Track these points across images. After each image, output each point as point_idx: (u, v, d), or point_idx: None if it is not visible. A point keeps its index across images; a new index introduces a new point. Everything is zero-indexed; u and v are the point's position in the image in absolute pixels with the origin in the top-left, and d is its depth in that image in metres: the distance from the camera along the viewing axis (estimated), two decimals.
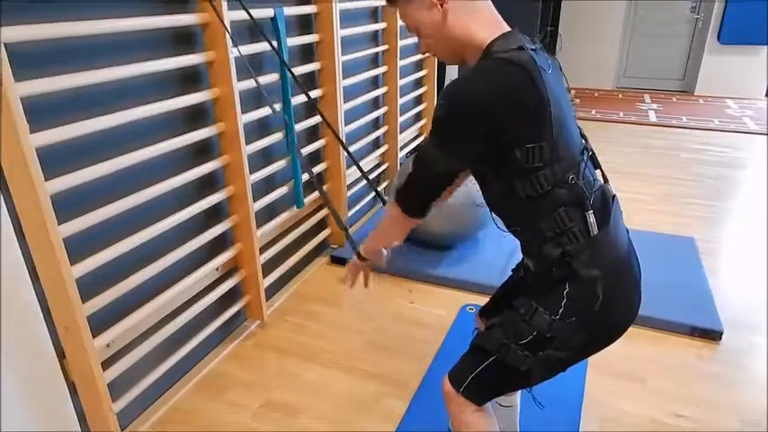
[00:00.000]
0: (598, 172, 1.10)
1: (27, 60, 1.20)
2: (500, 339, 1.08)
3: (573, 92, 6.74)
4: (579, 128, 1.08)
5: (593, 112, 5.75)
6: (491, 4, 1.07)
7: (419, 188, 1.08)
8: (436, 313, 2.27)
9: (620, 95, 6.55)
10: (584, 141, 1.07)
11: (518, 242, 1.14)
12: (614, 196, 1.10)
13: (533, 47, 0.99)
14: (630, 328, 2.14)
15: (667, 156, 4.31)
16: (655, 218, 3.13)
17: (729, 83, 6.29)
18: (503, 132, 0.95)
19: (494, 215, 1.15)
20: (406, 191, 1.09)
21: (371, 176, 3.11)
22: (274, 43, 1.96)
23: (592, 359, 1.93)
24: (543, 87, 0.93)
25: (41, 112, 1.24)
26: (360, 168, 1.69)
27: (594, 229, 1.00)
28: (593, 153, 1.09)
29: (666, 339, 2.08)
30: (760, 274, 2.53)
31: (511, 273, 1.36)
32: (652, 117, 5.51)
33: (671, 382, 1.87)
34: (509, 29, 1.04)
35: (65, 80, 1.27)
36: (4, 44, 1.08)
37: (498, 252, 2.56)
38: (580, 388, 1.83)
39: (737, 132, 4.94)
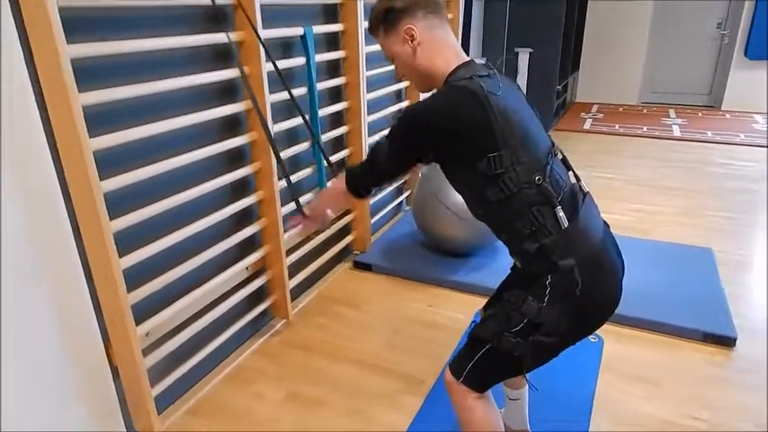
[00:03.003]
0: (571, 174, 1.22)
1: (88, 74, 1.36)
2: (493, 328, 1.19)
3: (596, 107, 6.77)
4: (548, 136, 1.23)
5: (617, 126, 5.77)
6: (455, 39, 1.24)
7: (366, 176, 1.26)
8: (453, 317, 2.36)
9: (645, 110, 6.55)
10: (552, 146, 1.19)
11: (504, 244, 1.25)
12: (586, 193, 1.21)
13: (485, 73, 1.14)
14: (644, 333, 2.22)
15: (691, 169, 4.32)
16: (676, 229, 3.16)
17: (757, 97, 6.24)
18: (453, 147, 1.11)
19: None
20: (354, 173, 1.28)
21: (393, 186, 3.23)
22: (300, 61, 2.11)
23: (605, 361, 2.01)
24: (489, 107, 1.08)
25: (98, 119, 1.39)
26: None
27: (565, 223, 1.11)
28: (565, 157, 1.22)
29: (680, 345, 2.12)
30: None
31: (510, 271, 1.45)
32: (676, 132, 5.51)
33: (684, 385, 1.91)
34: (467, 59, 1.21)
35: (119, 91, 1.43)
36: (71, 60, 1.24)
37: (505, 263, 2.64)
38: (591, 387, 1.89)
39: (763, 147, 4.91)
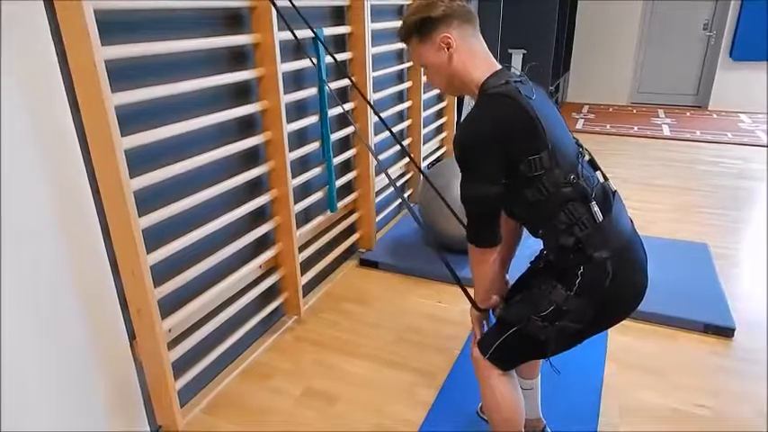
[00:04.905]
0: (598, 173, 1.27)
1: (118, 75, 1.38)
2: (522, 312, 1.25)
3: (587, 107, 6.89)
4: (576, 139, 1.28)
5: (608, 126, 5.88)
6: (486, 46, 1.28)
7: (477, 221, 1.24)
8: (462, 311, 2.41)
9: (635, 111, 6.68)
10: (579, 148, 1.25)
11: (540, 240, 1.29)
12: (615, 191, 1.27)
13: (518, 79, 1.19)
14: (647, 326, 2.29)
15: (682, 168, 4.42)
16: (670, 226, 3.25)
17: (743, 98, 6.40)
18: (508, 151, 1.15)
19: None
20: (470, 229, 1.26)
21: (397, 185, 3.28)
22: (314, 60, 2.15)
23: (610, 352, 2.08)
24: (530, 110, 1.13)
25: (124, 119, 1.42)
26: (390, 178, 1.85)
27: (599, 217, 1.17)
28: (592, 157, 1.28)
29: (682, 336, 2.20)
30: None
31: (530, 264, 1.51)
32: (666, 131, 5.63)
33: (687, 374, 1.98)
34: (500, 67, 1.25)
35: (148, 92, 1.47)
36: (106, 61, 1.27)
37: (518, 255, 2.70)
38: (599, 378, 1.95)
39: (751, 145, 5.04)
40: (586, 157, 1.26)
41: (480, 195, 1.19)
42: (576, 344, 1.27)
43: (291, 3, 1.84)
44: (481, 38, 1.27)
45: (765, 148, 4.93)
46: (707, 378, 1.96)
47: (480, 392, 1.38)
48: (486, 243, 1.25)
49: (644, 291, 1.26)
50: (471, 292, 1.40)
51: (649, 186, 3.98)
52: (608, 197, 1.23)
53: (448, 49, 1.22)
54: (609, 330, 2.19)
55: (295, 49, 2.11)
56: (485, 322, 1.41)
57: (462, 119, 1.22)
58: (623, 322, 2.22)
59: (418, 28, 1.23)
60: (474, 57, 1.24)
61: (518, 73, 1.24)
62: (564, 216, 1.17)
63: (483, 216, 1.22)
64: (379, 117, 2.01)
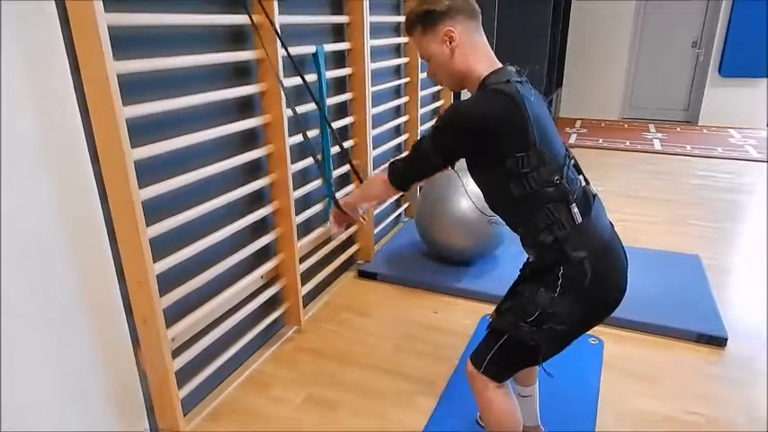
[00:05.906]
0: (581, 177, 1.33)
1: (128, 88, 1.43)
2: (510, 320, 1.29)
3: (580, 122, 7.01)
4: (563, 143, 1.33)
5: (600, 140, 5.98)
6: (488, 43, 1.33)
7: (408, 168, 1.34)
8: (459, 322, 2.44)
9: (626, 125, 6.79)
10: (566, 151, 1.30)
11: (518, 237, 1.34)
12: (595, 195, 1.32)
13: (519, 80, 1.25)
14: (642, 335, 2.33)
15: (673, 181, 4.51)
16: (662, 238, 3.31)
17: (732, 113, 6.53)
18: (491, 145, 1.20)
19: (494, 212, 1.38)
20: (399, 166, 1.35)
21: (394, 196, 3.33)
22: (310, 77, 2.20)
23: (607, 361, 2.12)
24: (526, 110, 1.18)
25: (136, 131, 1.46)
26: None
27: (579, 218, 1.22)
28: (576, 161, 1.33)
29: (675, 345, 2.24)
30: (761, 288, 2.68)
31: (519, 272, 1.55)
32: (657, 145, 5.73)
33: (681, 383, 2.02)
34: (501, 65, 1.30)
35: (157, 105, 1.51)
36: (117, 75, 1.31)
37: (514, 267, 2.70)
38: (595, 386, 1.98)
39: (740, 160, 5.14)
40: (572, 162, 1.30)
41: (427, 156, 1.27)
42: (567, 345, 1.30)
43: (258, 27, 1.86)
44: (483, 35, 1.31)
45: (757, 163, 5.03)
46: (700, 386, 2.00)
47: (478, 406, 1.41)
48: (397, 185, 1.34)
49: (624, 288, 1.30)
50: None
51: (641, 199, 4.05)
52: (588, 200, 1.27)
53: (450, 42, 1.26)
54: (605, 340, 2.25)
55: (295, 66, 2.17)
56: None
57: (463, 99, 1.28)
58: (619, 332, 2.31)
59: (422, 20, 1.27)
60: (476, 53, 1.28)
61: (514, 70, 1.28)
62: (545, 215, 1.21)
63: (414, 168, 1.32)
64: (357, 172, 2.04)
